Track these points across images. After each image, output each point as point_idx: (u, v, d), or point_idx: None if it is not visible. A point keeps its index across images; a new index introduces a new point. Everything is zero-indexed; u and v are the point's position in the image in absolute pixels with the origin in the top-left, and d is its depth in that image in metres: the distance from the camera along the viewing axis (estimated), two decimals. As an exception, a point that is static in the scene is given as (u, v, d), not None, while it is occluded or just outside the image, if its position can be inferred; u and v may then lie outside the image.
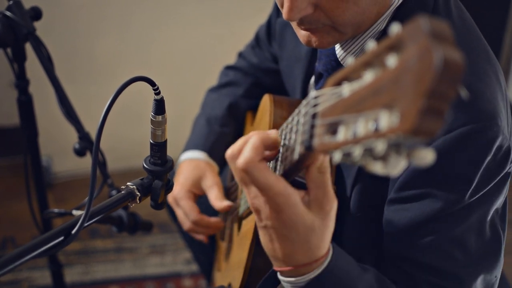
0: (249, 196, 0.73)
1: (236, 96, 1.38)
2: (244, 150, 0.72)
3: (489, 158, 0.83)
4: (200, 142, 1.32)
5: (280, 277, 0.80)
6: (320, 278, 0.75)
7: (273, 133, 0.75)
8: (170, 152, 0.84)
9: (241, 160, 0.71)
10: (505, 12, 2.64)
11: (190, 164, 1.28)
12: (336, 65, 1.00)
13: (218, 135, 1.33)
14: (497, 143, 0.83)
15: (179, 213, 1.25)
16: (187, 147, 1.34)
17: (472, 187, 0.84)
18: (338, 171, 0.97)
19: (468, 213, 0.86)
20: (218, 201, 1.18)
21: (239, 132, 1.38)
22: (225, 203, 1.17)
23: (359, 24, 0.88)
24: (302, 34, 0.92)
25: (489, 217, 0.89)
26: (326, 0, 0.84)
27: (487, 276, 0.91)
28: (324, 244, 0.74)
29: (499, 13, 2.65)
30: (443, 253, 0.88)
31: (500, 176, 0.86)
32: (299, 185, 0.74)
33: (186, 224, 1.24)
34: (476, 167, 0.83)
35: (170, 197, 1.25)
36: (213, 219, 1.22)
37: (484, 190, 0.85)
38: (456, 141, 0.81)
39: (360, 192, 0.94)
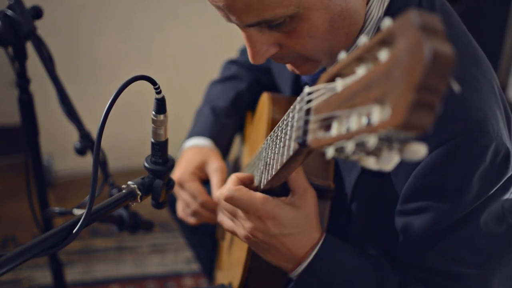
0: (244, 225, 0.88)
1: (240, 90, 1.37)
2: (225, 186, 0.88)
3: (483, 166, 0.81)
4: (205, 130, 1.30)
5: (296, 277, 0.90)
6: (324, 245, 0.89)
7: (241, 174, 0.92)
8: (171, 151, 0.84)
9: (224, 191, 0.86)
10: (505, 12, 2.64)
11: (194, 149, 1.26)
12: None
13: (223, 125, 1.32)
14: (491, 150, 0.80)
15: (184, 196, 1.20)
16: (191, 135, 1.31)
17: (470, 196, 0.82)
18: (337, 172, 0.96)
19: (471, 217, 0.84)
20: (217, 189, 1.16)
21: (241, 126, 1.38)
22: None
23: (329, 49, 0.85)
24: (284, 65, 0.92)
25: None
26: (283, 39, 0.83)
27: (507, 269, 0.90)
28: (318, 224, 0.90)
29: (499, 13, 2.64)
30: (453, 258, 0.88)
31: (503, 181, 0.84)
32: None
33: (192, 206, 1.18)
34: (470, 178, 0.81)
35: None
36: None
37: (487, 195, 0.84)
38: (447, 154, 0.79)
39: (364, 198, 0.93)
